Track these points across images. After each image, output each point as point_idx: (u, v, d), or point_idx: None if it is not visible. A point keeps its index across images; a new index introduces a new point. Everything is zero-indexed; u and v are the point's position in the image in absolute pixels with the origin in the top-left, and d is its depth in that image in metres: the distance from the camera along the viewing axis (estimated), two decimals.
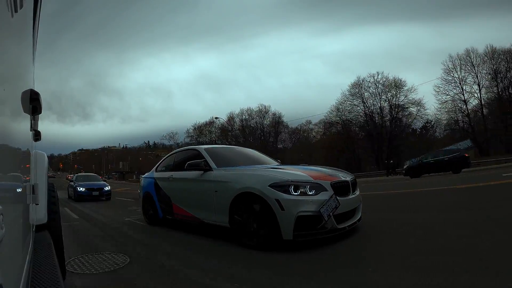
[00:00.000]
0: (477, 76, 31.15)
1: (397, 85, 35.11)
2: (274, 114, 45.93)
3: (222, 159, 4.12)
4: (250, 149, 5.34)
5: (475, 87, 31.34)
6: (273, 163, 4.58)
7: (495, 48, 30.13)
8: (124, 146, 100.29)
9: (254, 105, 58.40)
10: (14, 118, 0.91)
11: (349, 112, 37.33)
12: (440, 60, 33.83)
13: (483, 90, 31.17)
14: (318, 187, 3.05)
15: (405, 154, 30.38)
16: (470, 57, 31.21)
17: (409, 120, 35.52)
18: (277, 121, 45.99)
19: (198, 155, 4.28)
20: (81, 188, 11.63)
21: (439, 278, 1.91)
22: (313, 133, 44.97)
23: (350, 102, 37.16)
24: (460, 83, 31.76)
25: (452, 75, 32.09)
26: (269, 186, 3.02)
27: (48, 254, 1.51)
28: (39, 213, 1.95)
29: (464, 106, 31.83)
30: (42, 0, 1.68)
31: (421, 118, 35.02)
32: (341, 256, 2.66)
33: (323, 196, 2.99)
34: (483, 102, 31.41)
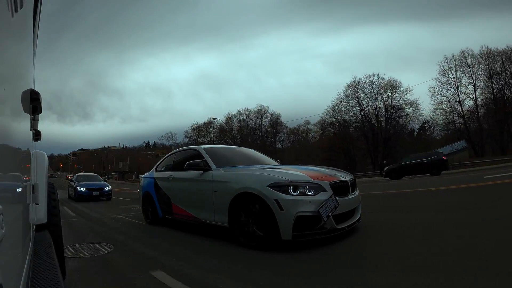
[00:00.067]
0: (472, 77, 31.33)
1: (393, 86, 35.41)
2: (272, 114, 46.11)
3: (221, 159, 4.12)
4: (250, 149, 5.34)
5: (471, 88, 31.54)
6: (273, 163, 4.58)
7: (490, 49, 30.31)
8: (124, 146, 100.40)
9: (253, 105, 58.62)
10: (14, 118, 0.91)
11: (345, 113, 37.61)
12: (440, 60, 33.88)
13: (478, 91, 31.36)
14: (317, 187, 3.05)
15: (401, 155, 30.56)
16: (465, 58, 31.40)
17: (406, 121, 35.78)
18: (276, 122, 46.10)
19: (198, 155, 4.28)
20: (82, 188, 11.59)
21: (439, 279, 1.91)
22: (312, 133, 45.12)
23: (346, 103, 37.47)
24: (455, 84, 31.93)
25: (447, 76, 32.29)
26: (268, 186, 3.02)
27: (48, 254, 1.51)
28: (39, 213, 1.95)
29: (460, 107, 31.97)
30: (42, 0, 1.68)
31: (416, 119, 35.38)
32: (341, 256, 2.66)
33: (322, 197, 2.99)
34: (478, 103, 31.56)
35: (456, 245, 2.58)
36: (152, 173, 5.38)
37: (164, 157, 5.58)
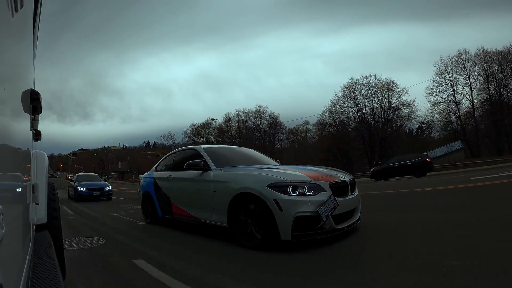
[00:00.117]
0: (469, 78, 31.39)
1: (389, 87, 35.55)
2: (270, 115, 46.21)
3: (221, 159, 4.13)
4: (250, 149, 5.34)
5: (467, 88, 31.60)
6: (273, 163, 4.58)
7: (487, 50, 30.36)
8: (124, 146, 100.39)
9: (253, 105, 58.66)
10: (14, 117, 0.91)
11: (341, 114, 37.76)
12: (438, 60, 34.03)
13: (475, 92, 31.45)
14: (316, 188, 3.05)
15: (398, 155, 30.78)
16: (462, 59, 31.43)
17: (402, 122, 35.92)
18: (275, 122, 46.17)
19: (197, 155, 4.28)
20: (82, 188, 11.55)
21: (439, 279, 1.91)
22: (311, 133, 45.19)
23: (343, 104, 37.61)
24: (451, 85, 32.00)
25: (443, 77, 32.35)
26: (268, 186, 3.02)
27: (48, 254, 1.51)
28: (39, 213, 1.95)
29: (456, 108, 32.06)
30: (42, 0, 1.68)
31: (413, 119, 35.55)
32: (340, 256, 2.66)
33: (321, 197, 2.99)
34: (475, 104, 31.64)
35: (456, 245, 2.58)
36: (152, 173, 5.38)
37: (164, 157, 5.58)
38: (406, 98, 34.68)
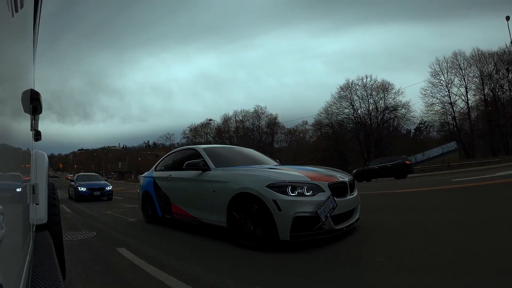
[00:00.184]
0: (464, 79, 31.46)
1: (385, 88, 35.74)
2: (268, 115, 46.31)
3: (220, 159, 4.13)
4: (250, 149, 5.34)
5: (462, 89, 31.70)
6: (272, 163, 4.58)
7: (482, 51, 30.44)
8: (124, 146, 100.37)
9: (252, 106, 58.66)
10: (15, 118, 0.91)
11: (337, 115, 37.89)
12: (436, 61, 34.17)
13: (470, 93, 31.49)
14: (315, 188, 3.05)
15: (394, 155, 31.01)
16: (457, 60, 31.51)
17: (398, 122, 36.06)
18: (273, 122, 46.24)
19: (197, 154, 4.28)
20: (82, 188, 11.50)
21: (438, 279, 1.92)
22: (310, 133, 45.23)
23: (339, 104, 37.77)
24: (447, 86, 32.08)
25: (438, 78, 32.44)
26: (266, 186, 3.02)
27: (48, 254, 1.51)
28: (39, 213, 1.95)
29: (451, 109, 32.15)
30: (42, 0, 1.68)
31: (408, 120, 35.68)
32: (339, 256, 2.67)
33: (320, 197, 2.99)
34: (470, 105, 31.70)
35: (454, 245, 2.59)
36: (152, 172, 5.38)
37: (164, 156, 5.58)
38: (402, 99, 35.02)
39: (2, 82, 0.65)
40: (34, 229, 1.78)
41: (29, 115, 1.40)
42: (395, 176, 16.26)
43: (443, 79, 32.14)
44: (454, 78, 31.70)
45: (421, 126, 36.51)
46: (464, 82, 31.37)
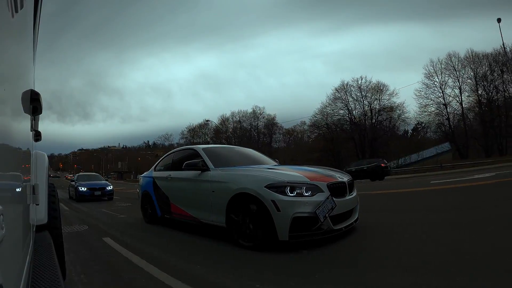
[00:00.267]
0: (458, 80, 31.44)
1: (380, 89, 35.82)
2: (265, 116, 46.35)
3: (219, 159, 4.13)
4: (249, 149, 5.34)
5: (456, 90, 31.69)
6: (272, 163, 4.58)
7: (476, 53, 30.46)
8: (124, 146, 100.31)
9: (252, 106, 58.63)
10: (15, 118, 0.91)
11: (332, 116, 37.98)
12: (434, 61, 34.30)
13: (464, 94, 31.51)
14: (314, 188, 3.05)
15: (390, 156, 31.17)
16: (451, 62, 31.49)
17: (393, 123, 36.15)
18: (271, 122, 46.35)
19: (196, 155, 4.28)
20: (83, 188, 11.42)
21: (435, 279, 1.92)
22: (307, 133, 45.27)
23: (334, 105, 37.82)
24: (441, 87, 32.08)
25: (432, 79, 32.43)
26: (265, 187, 3.02)
27: (48, 255, 1.51)
28: (40, 214, 1.95)
29: (445, 110, 32.17)
30: (42, 0, 1.68)
31: (403, 121, 35.84)
32: (338, 256, 2.67)
33: (319, 197, 2.99)
34: (464, 106, 31.76)
35: (450, 245, 2.60)
36: (151, 172, 5.39)
37: (163, 156, 5.59)
38: (396, 100, 35.06)
39: (2, 82, 0.65)
40: (34, 229, 1.78)
41: (29, 116, 1.40)
42: (371, 178, 17.01)
43: (437, 80, 32.24)
44: (448, 79, 31.82)
45: (419, 126, 36.62)
46: (458, 83, 31.47)
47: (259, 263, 2.62)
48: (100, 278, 2.51)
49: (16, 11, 0.80)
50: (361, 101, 36.71)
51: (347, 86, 37.01)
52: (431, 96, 32.54)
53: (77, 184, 11.80)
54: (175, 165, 4.76)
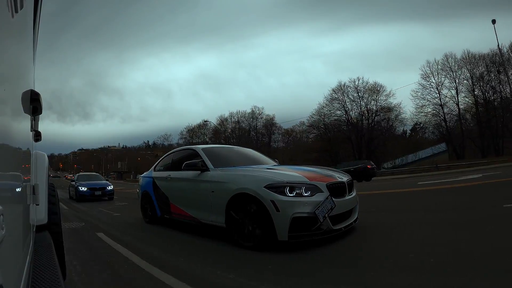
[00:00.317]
0: (455, 81, 31.57)
1: (376, 90, 35.99)
2: (265, 116, 46.39)
3: (219, 159, 4.12)
4: (249, 149, 5.34)
5: (453, 91, 31.82)
6: (271, 163, 4.58)
7: (473, 53, 30.61)
8: (124, 146, 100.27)
9: (251, 106, 58.71)
10: (15, 118, 0.91)
11: (329, 116, 38.12)
12: (431, 62, 34.40)
13: (461, 95, 31.65)
14: (313, 189, 3.05)
15: (387, 156, 31.22)
16: (448, 62, 31.64)
17: (389, 124, 36.23)
18: (270, 123, 46.39)
19: (196, 155, 4.28)
20: (83, 188, 11.36)
21: (434, 279, 1.93)
22: (306, 133, 45.27)
23: (331, 106, 37.98)
24: (437, 88, 32.20)
25: (429, 80, 32.54)
26: (265, 187, 3.02)
27: (48, 255, 1.51)
28: (40, 214, 1.95)
29: (441, 111, 32.26)
30: (42, 0, 1.68)
31: (400, 122, 36.03)
32: (338, 256, 2.68)
33: (318, 198, 2.99)
34: (460, 106, 31.88)
35: (448, 245, 2.60)
36: (151, 172, 5.39)
37: (163, 157, 5.59)
38: (393, 100, 35.29)
39: (2, 82, 0.65)
40: (34, 229, 1.78)
41: (29, 116, 1.40)
42: (358, 179, 17.10)
43: (434, 81, 32.42)
44: (445, 80, 32.01)
45: (417, 126, 36.70)
46: (454, 84, 31.62)
47: (259, 263, 2.62)
48: (100, 278, 2.51)
49: (16, 11, 0.80)
50: (358, 101, 36.94)
51: (344, 86, 37.26)
52: (428, 97, 32.83)
53: (78, 184, 11.76)
54: (175, 165, 4.76)
